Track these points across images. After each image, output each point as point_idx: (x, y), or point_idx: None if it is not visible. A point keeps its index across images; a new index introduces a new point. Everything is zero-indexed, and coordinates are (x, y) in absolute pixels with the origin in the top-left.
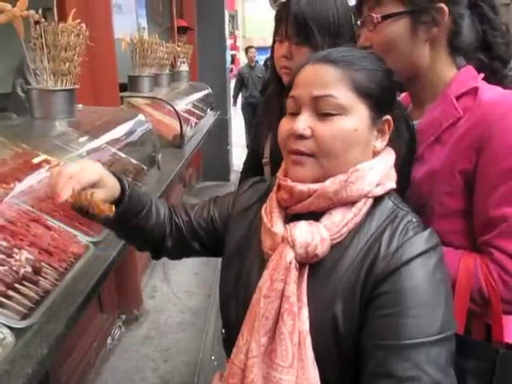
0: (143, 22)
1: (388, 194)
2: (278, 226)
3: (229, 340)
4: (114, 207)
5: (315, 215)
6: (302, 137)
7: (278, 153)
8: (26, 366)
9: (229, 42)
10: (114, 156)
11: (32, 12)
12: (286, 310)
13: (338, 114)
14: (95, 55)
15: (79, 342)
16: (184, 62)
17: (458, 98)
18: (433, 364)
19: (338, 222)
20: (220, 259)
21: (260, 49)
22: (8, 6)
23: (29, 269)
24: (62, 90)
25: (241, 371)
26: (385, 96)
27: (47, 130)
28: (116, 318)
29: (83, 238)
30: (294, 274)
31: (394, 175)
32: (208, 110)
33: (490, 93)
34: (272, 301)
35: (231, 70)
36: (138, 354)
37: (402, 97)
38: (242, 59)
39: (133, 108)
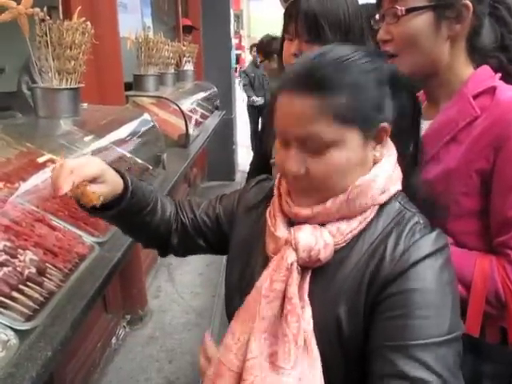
0: (148, 21)
1: (394, 195)
2: (282, 230)
3: None
4: (101, 197)
5: None
6: (297, 176)
7: None
8: (31, 369)
9: (234, 41)
10: (119, 155)
11: (37, 10)
12: (289, 311)
13: (328, 147)
14: (100, 54)
15: (84, 342)
16: (189, 61)
17: (475, 97)
18: (441, 364)
19: (344, 229)
20: (225, 259)
21: None
22: (13, 4)
23: (33, 270)
24: (67, 89)
25: (231, 373)
26: (375, 106)
27: (52, 129)
28: (120, 319)
29: (88, 239)
30: (295, 275)
31: (398, 175)
32: (213, 110)
33: (509, 92)
34: (271, 301)
35: (236, 70)
36: (142, 355)
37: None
38: (247, 59)
39: (138, 107)
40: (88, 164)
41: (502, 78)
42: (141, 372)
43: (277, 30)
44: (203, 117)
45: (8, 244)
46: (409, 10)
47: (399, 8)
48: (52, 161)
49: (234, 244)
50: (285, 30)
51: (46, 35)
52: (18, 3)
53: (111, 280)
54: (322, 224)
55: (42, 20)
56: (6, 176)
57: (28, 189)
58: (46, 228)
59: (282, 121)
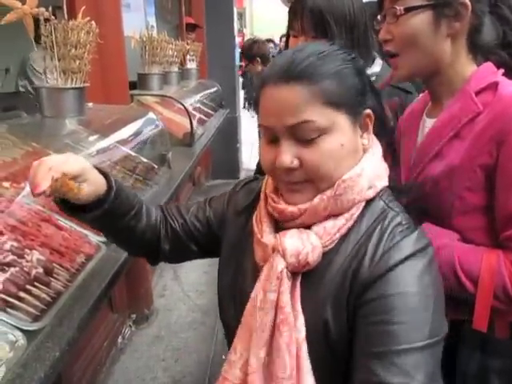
0: (152, 20)
1: (380, 192)
2: (268, 236)
3: (231, 344)
4: (84, 189)
5: None
6: (291, 169)
7: None
8: (39, 369)
9: (237, 39)
10: (125, 155)
11: (42, 9)
12: (281, 320)
13: (320, 135)
14: (105, 53)
15: (90, 341)
16: (193, 60)
17: (478, 93)
18: (421, 370)
19: (330, 228)
20: None
21: None
22: (18, 4)
23: (40, 270)
24: (72, 88)
25: None
26: (359, 92)
27: (57, 129)
28: (126, 318)
29: (94, 238)
30: (286, 283)
31: (384, 170)
32: (217, 108)
33: (511, 87)
34: (267, 313)
35: (240, 68)
36: (148, 354)
37: (422, 95)
38: None
39: (142, 106)
40: (68, 161)
41: (504, 75)
42: (147, 371)
43: (279, 28)
44: (207, 115)
45: (15, 244)
46: (407, 10)
47: (398, 8)
48: None
49: (225, 246)
50: (290, 26)
51: (51, 35)
52: (23, 3)
53: (118, 280)
54: (308, 227)
55: (47, 20)
56: (12, 176)
57: None
58: (52, 228)
59: (271, 115)
